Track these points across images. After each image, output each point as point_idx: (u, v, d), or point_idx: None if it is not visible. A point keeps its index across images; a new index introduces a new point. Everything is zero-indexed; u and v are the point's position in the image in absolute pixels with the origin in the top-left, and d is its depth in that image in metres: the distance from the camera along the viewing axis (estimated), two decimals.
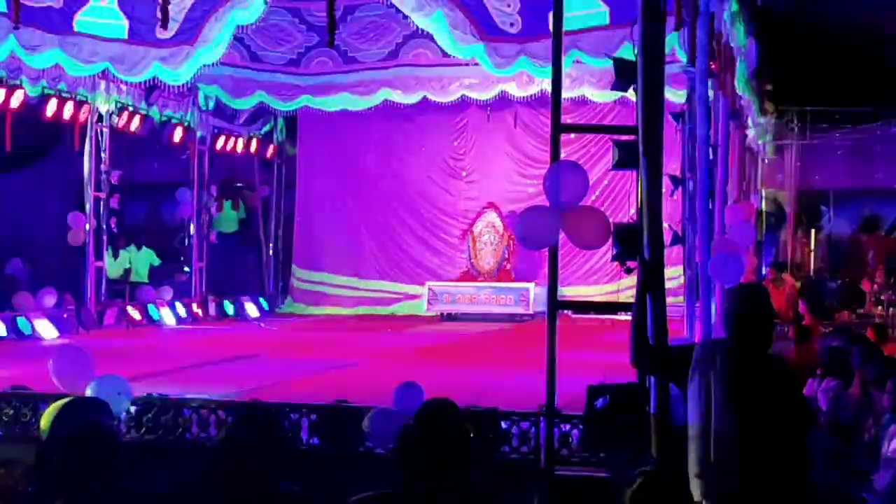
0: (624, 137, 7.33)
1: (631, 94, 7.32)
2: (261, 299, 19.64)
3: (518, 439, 7.49)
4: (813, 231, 20.23)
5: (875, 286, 17.65)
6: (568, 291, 14.62)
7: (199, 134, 18.43)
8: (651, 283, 6.95)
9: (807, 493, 6.41)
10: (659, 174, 7.11)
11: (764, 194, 17.14)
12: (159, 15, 12.93)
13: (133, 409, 7.82)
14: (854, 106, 15.91)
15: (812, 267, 19.34)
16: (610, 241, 7.41)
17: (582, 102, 13.69)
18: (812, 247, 19.98)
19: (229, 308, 18.66)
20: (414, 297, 19.30)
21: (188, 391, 8.97)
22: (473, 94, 16.98)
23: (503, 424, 7.48)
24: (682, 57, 10.10)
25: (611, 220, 7.61)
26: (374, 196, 19.80)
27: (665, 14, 7.55)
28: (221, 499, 5.66)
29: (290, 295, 20.08)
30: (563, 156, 7.82)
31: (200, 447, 7.56)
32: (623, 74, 7.41)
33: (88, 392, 7.53)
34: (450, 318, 18.43)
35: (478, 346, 14.77)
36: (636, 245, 7.02)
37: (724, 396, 6.24)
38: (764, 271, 16.27)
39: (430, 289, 19.03)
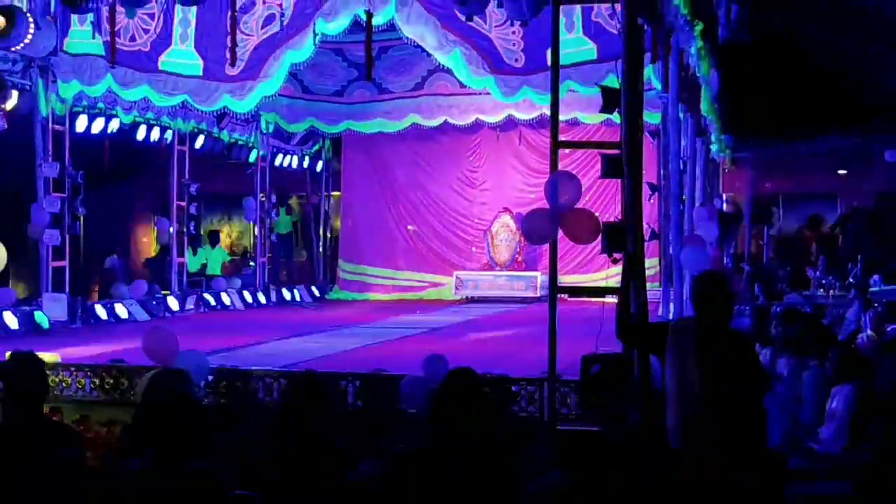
0: (610, 152, 7.27)
1: (615, 116, 7.26)
2: (313, 287, 19.60)
3: (526, 400, 7.47)
4: (765, 228, 20.12)
5: (817, 272, 17.62)
6: (566, 279, 14.52)
7: (261, 153, 18.40)
8: (633, 272, 6.92)
9: (762, 442, 6.36)
10: (639, 182, 7.08)
11: (725, 198, 16.95)
12: (228, 56, 12.95)
13: (210, 378, 7.76)
14: (795, 124, 15.73)
15: (765, 257, 19.21)
16: (599, 237, 7.36)
17: (575, 123, 13.63)
18: (765, 241, 19.85)
19: (287, 295, 18.64)
20: (438, 284, 19.30)
21: (255, 363, 8.93)
22: (485, 118, 16.99)
23: (514, 388, 7.43)
24: (657, 85, 10.03)
25: (600, 219, 7.53)
26: (404, 202, 19.77)
27: (643, 51, 7.49)
28: (282, 452, 5.60)
29: (337, 284, 20.04)
30: (559, 167, 7.73)
31: (265, 409, 7.52)
32: (609, 100, 7.35)
33: (175, 364, 7.48)
34: (472, 300, 18.33)
35: (497, 325, 14.71)
36: (621, 240, 6.98)
37: (695, 364, 6.18)
38: (726, 261, 16.14)
39: (457, 277, 19.01)
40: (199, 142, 16.95)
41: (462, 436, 5.38)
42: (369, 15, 12.11)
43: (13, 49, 8.19)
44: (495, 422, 6.29)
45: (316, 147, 19.92)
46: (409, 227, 19.76)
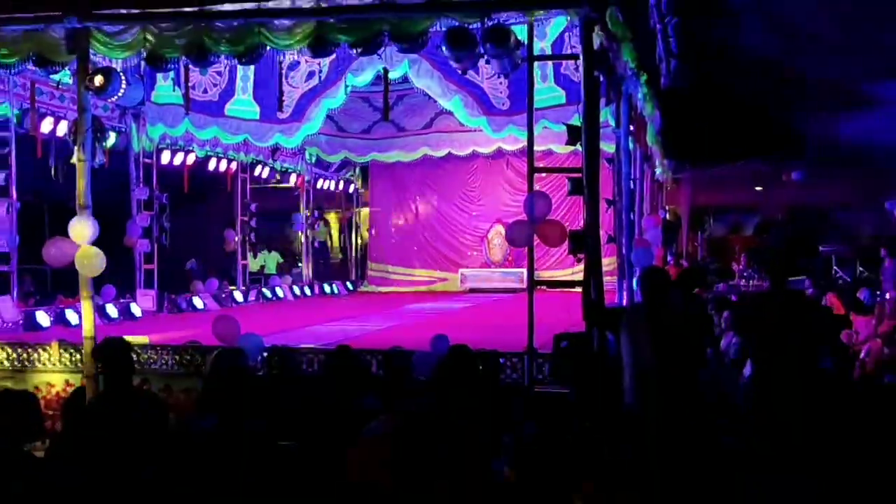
0: (575, 175, 7.27)
1: (579, 147, 7.27)
2: (347, 283, 19.60)
3: (510, 369, 7.45)
4: (699, 233, 20.10)
5: (740, 267, 17.63)
6: (543, 274, 14.55)
7: (305, 178, 18.40)
8: (593, 268, 6.93)
9: (697, 399, 6.37)
10: (597, 198, 7.09)
11: (667, 209, 16.95)
12: (280, 105, 13.06)
13: (264, 354, 7.76)
14: (721, 152, 15.70)
15: (699, 255, 19.21)
16: (566, 241, 7.36)
17: (550, 153, 13.58)
18: (699, 242, 19.84)
19: (327, 288, 18.65)
20: (444, 279, 19.29)
21: (300, 342, 8.92)
22: (480, 149, 16.98)
23: (501, 360, 7.42)
24: (612, 123, 9.99)
25: (567, 228, 7.55)
26: (418, 215, 19.80)
27: (599, 96, 7.49)
28: (322, 412, 5.60)
29: (367, 280, 20.02)
30: (536, 188, 7.74)
31: (308, 378, 7.51)
32: (572, 135, 7.37)
33: (236, 344, 7.49)
34: (473, 291, 18.31)
35: (489, 310, 14.73)
36: (582, 244, 6.99)
37: (645, 339, 6.19)
38: (668, 259, 16.14)
39: (461, 273, 19.01)
40: (257, 170, 16.99)
41: (459, 396, 5.41)
42: (386, 71, 12.17)
43: (110, 101, 8.26)
44: (486, 386, 6.33)
45: (349, 174, 19.96)
46: (423, 235, 19.84)
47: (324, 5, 7.25)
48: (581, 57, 6.96)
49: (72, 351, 8.22)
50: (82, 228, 7.32)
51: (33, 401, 4.55)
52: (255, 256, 17.58)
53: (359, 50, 7.49)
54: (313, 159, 18.16)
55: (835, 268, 17.89)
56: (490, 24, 7.05)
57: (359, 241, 20.53)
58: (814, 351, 6.85)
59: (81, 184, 7.49)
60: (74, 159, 7.59)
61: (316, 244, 19.18)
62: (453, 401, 5.45)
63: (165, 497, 4.68)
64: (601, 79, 7.36)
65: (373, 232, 20.30)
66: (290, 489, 4.72)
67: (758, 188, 19.85)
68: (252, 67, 12.72)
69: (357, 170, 19.89)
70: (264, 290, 16.87)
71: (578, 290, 7.28)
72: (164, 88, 12.70)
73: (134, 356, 6.48)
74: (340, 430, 5.08)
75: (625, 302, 9.60)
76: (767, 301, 7.26)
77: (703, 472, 6.21)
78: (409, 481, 3.76)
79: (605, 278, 7.34)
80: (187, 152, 14.71)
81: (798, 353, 6.57)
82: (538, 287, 8.03)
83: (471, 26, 7.09)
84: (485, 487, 4.00)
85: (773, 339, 6.72)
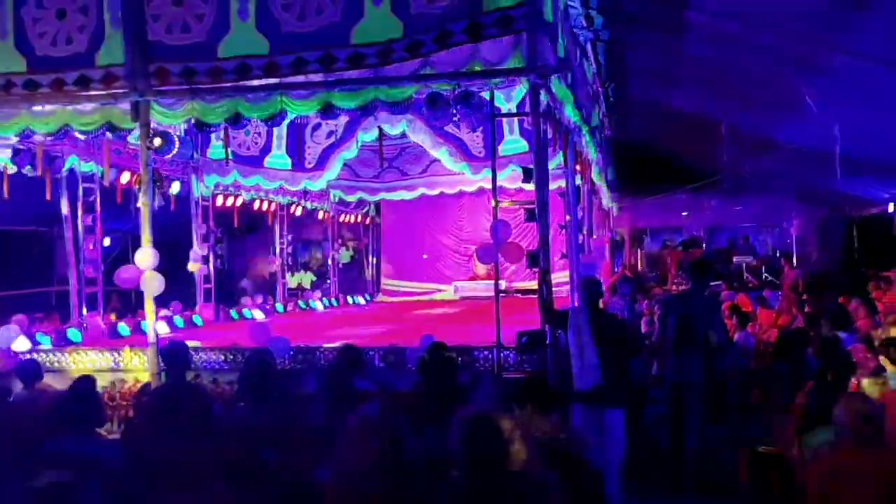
0: (529, 206, 7.25)
1: (531, 185, 7.26)
2: (366, 295, 19.52)
3: (483, 360, 7.35)
4: (639, 249, 20.04)
5: (672, 275, 17.58)
6: (518, 284, 14.41)
7: (331, 214, 18.36)
8: (544, 280, 6.89)
9: (629, 379, 6.33)
10: (547, 224, 7.04)
11: (614, 231, 16.90)
12: (306, 157, 13.08)
13: (291, 353, 7.69)
14: (655, 184, 15.75)
15: (639, 267, 19.14)
16: (524, 258, 7.33)
17: (520, 190, 13.28)
18: (639, 257, 19.77)
19: (350, 300, 18.59)
20: (442, 290, 19.12)
21: (323, 342, 8.83)
22: (466, 188, 16.86)
23: (475, 353, 7.35)
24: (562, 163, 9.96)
25: (524, 248, 7.51)
26: (420, 241, 19.66)
27: (547, 145, 7.47)
28: (331, 392, 5.54)
29: (381, 292, 19.94)
30: (501, 217, 7.72)
31: (323, 370, 7.44)
32: (527, 175, 7.36)
33: (267, 346, 7.44)
34: (464, 298, 18.10)
35: (472, 313, 14.64)
36: (536, 260, 6.95)
37: (587, 333, 6.15)
38: (615, 270, 16.09)
39: (455, 285, 18.88)
40: (293, 208, 16.94)
41: (439, 381, 5.37)
42: (381, 129, 12.14)
43: (166, 157, 8.36)
44: (461, 373, 6.26)
45: (365, 209, 19.91)
46: (424, 255, 19.71)
47: (330, 80, 7.26)
48: (531, 114, 6.93)
49: (140, 354, 8.18)
50: (146, 257, 7.31)
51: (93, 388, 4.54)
52: (292, 275, 17.50)
53: (358, 113, 7.50)
54: (336, 199, 18.15)
55: (745, 274, 17.86)
56: (459, 91, 7.06)
57: (374, 262, 20.47)
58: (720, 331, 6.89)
59: (145, 223, 7.48)
60: (139, 203, 7.58)
61: (341, 265, 19.12)
62: (436, 383, 5.43)
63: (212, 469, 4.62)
64: (548, 131, 7.34)
65: (385, 256, 20.20)
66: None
67: (684, 213, 19.89)
68: (285, 128, 12.76)
69: (371, 206, 19.87)
70: (300, 302, 16.81)
71: (535, 296, 7.25)
72: (217, 146, 12.71)
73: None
74: (342, 407, 5.03)
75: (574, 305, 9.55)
76: (689, 298, 7.23)
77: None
78: (394, 452, 3.69)
79: (560, 287, 7.32)
80: (236, 196, 14.68)
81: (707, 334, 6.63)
82: (509, 294, 8.02)
83: (445, 92, 7.11)
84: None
85: (687, 325, 6.75)
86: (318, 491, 3.81)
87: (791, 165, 13.00)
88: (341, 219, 19.06)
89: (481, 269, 19.01)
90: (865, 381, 5.74)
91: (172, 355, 6.25)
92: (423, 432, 4.30)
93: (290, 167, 13.63)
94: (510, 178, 11.27)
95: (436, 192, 17.32)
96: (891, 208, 12.80)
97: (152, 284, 7.23)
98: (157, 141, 7.46)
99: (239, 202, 14.87)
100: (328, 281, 18.90)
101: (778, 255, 18.21)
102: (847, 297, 9.42)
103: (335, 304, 17.93)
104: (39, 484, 3.32)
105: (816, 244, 17.17)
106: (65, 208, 11.02)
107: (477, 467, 3.06)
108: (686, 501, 6.38)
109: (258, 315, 14.66)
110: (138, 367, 8.11)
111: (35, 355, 8.22)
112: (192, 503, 3.86)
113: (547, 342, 6.67)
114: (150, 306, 7.45)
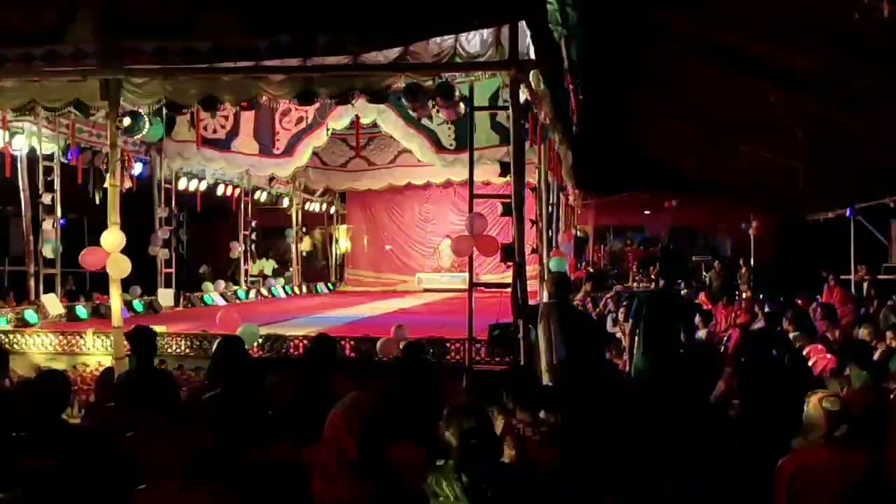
0: (505, 200, 7.24)
1: (509, 178, 7.24)
2: (329, 284, 19.40)
3: (455, 352, 7.36)
4: (602, 245, 20.24)
5: (632, 272, 17.79)
6: (483, 277, 14.46)
7: (295, 201, 18.15)
8: (518, 273, 6.89)
9: (601, 370, 6.37)
10: (522, 218, 7.04)
11: (578, 228, 17.05)
12: (275, 143, 12.88)
13: (260, 339, 7.60)
14: (618, 184, 15.89)
15: (602, 264, 19.33)
16: (498, 252, 7.33)
17: (488, 183, 13.42)
18: (602, 253, 19.97)
19: (314, 289, 18.44)
20: (405, 281, 19.14)
21: (289, 330, 8.78)
22: (433, 180, 16.91)
23: (447, 345, 7.33)
24: (535, 159, 10.01)
25: (499, 241, 7.51)
26: (384, 232, 19.63)
27: (525, 139, 7.47)
28: (303, 383, 5.47)
29: (344, 281, 19.84)
30: (476, 210, 7.70)
31: (294, 360, 7.37)
32: (504, 169, 7.34)
33: (237, 331, 7.33)
34: (427, 290, 18.12)
35: (440, 305, 14.65)
36: (511, 254, 6.95)
37: (556, 327, 6.17)
38: (579, 266, 16.23)
39: (418, 276, 18.88)
40: (257, 194, 16.70)
41: (411, 375, 5.34)
42: (357, 118, 12.06)
43: (136, 138, 8.12)
44: (433, 366, 6.24)
45: (330, 198, 19.76)
46: (388, 247, 19.65)
47: (309, 65, 7.15)
48: (510, 108, 6.92)
49: (103, 337, 8.01)
50: (112, 239, 7.12)
51: (64, 378, 4.40)
52: (254, 262, 17.29)
53: (336, 100, 7.41)
54: (302, 186, 17.97)
55: (704, 273, 18.17)
56: (439, 81, 7.01)
57: (337, 252, 20.33)
58: (689, 330, 6.96)
59: (112, 204, 7.29)
60: (107, 184, 7.38)
61: (304, 253, 18.94)
62: (408, 378, 5.40)
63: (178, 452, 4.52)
64: (526, 125, 7.34)
65: (351, 244, 20.08)
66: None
67: (646, 212, 20.12)
68: (253, 113, 12.56)
69: (337, 195, 19.71)
70: (262, 289, 16.61)
71: (509, 290, 7.25)
72: (182, 129, 12.48)
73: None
74: (319, 400, 4.97)
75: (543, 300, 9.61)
76: (659, 296, 7.30)
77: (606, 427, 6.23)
78: (371, 445, 3.65)
79: (529, 281, 7.33)
80: (200, 179, 14.45)
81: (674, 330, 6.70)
82: (477, 287, 8.00)
83: (424, 83, 7.06)
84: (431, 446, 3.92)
85: (659, 321, 6.81)
86: (299, 481, 3.77)
87: (753, 169, 13.22)
88: (307, 206, 18.89)
89: (445, 261, 19.06)
90: (829, 382, 5.87)
91: (140, 339, 6.10)
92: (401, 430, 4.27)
93: (257, 152, 13.43)
94: (481, 171, 11.26)
95: (403, 182, 17.27)
96: (848, 213, 13.13)
97: (119, 267, 7.05)
98: (127, 121, 7.27)
99: (203, 186, 14.64)
100: (290, 269, 18.74)
101: (737, 255, 18.55)
102: (805, 299, 9.65)
103: (297, 292, 17.77)
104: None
105: (773, 246, 17.54)
106: (23, 187, 10.69)
107: (468, 458, 3.04)
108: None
109: (218, 301, 14.46)
110: (100, 351, 7.93)
111: None
112: (168, 491, 3.78)
113: (519, 336, 6.68)
114: (115, 289, 7.27)
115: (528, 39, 6.59)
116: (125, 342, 7.01)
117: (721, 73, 9.41)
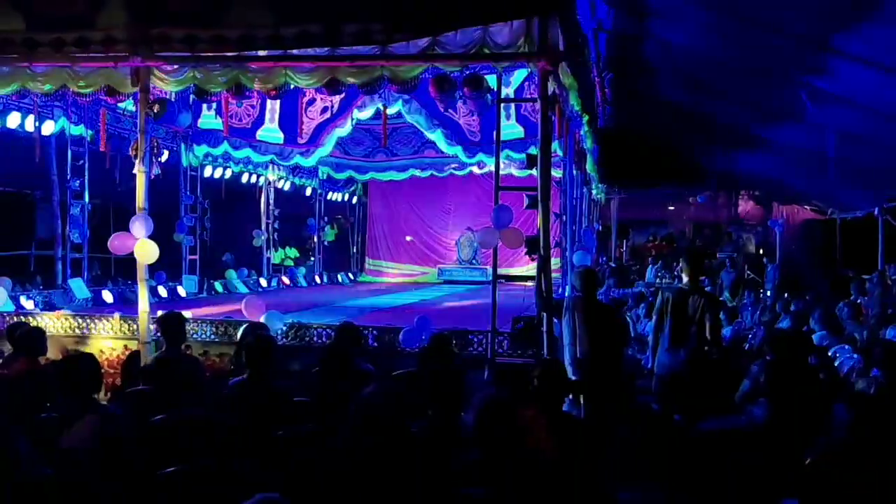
0: (531, 193, 7.22)
1: (534, 172, 7.23)
2: (349, 274, 19.48)
3: (477, 344, 7.36)
4: (624, 241, 20.13)
5: (655, 268, 17.64)
6: (504, 270, 14.47)
7: (318, 191, 18.23)
8: (543, 267, 6.88)
9: (621, 367, 6.35)
10: (548, 212, 7.03)
11: (601, 223, 16.96)
12: (300, 132, 12.93)
13: (284, 327, 7.67)
14: (643, 178, 15.81)
15: (624, 259, 19.22)
16: (524, 245, 7.33)
17: (510, 176, 13.43)
18: (624, 249, 19.86)
19: (335, 278, 18.53)
20: (425, 273, 19.20)
21: (313, 318, 8.84)
22: (456, 172, 16.84)
23: (470, 337, 7.35)
24: (560, 153, 9.97)
25: (524, 234, 7.50)
26: (406, 221, 19.65)
27: (552, 132, 7.45)
28: (329, 372, 5.52)
29: (365, 272, 19.91)
30: (501, 202, 7.69)
31: (319, 347, 7.43)
32: (531, 162, 7.31)
33: (261, 319, 7.40)
34: (447, 282, 18.18)
35: (462, 297, 14.67)
36: (536, 247, 6.94)
37: (581, 322, 6.16)
38: (601, 261, 16.18)
39: (439, 268, 18.92)
40: (281, 183, 16.80)
41: (436, 364, 5.36)
42: (385, 108, 12.08)
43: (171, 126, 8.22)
44: (457, 357, 6.26)
45: (353, 188, 19.82)
46: (408, 238, 19.69)
47: (337, 54, 7.18)
48: (538, 100, 6.90)
49: (129, 322, 8.11)
50: (141, 225, 7.21)
51: (96, 361, 4.47)
52: (276, 251, 17.41)
53: (364, 90, 7.43)
54: (325, 176, 18.05)
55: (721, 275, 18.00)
56: (468, 72, 7.01)
57: (359, 241, 20.40)
58: (715, 327, 6.89)
59: (140, 190, 7.38)
60: (135, 170, 7.46)
61: (326, 243, 19.04)
62: (432, 367, 5.42)
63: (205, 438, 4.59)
64: (553, 118, 7.32)
65: (370, 234, 20.12)
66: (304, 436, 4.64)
67: (670, 207, 19.97)
68: (278, 102, 12.63)
69: (359, 185, 19.78)
70: (284, 278, 16.73)
71: (529, 283, 7.26)
72: (208, 117, 12.58)
73: None
74: (343, 389, 5.01)
75: (567, 294, 9.60)
76: (684, 292, 7.25)
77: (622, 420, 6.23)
78: (395, 436, 3.68)
79: (552, 275, 7.34)
80: (225, 168, 14.57)
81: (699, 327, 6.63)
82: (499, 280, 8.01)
83: (452, 74, 7.06)
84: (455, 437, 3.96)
85: (684, 318, 6.74)
86: (324, 467, 3.81)
87: (781, 165, 13.08)
88: (329, 196, 18.99)
89: (466, 253, 19.08)
90: (856, 382, 5.82)
91: (170, 324, 6.17)
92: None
93: (282, 141, 13.51)
94: (503, 164, 11.27)
95: (426, 174, 17.27)
96: (876, 211, 12.93)
97: (147, 253, 7.14)
98: (157, 108, 7.34)
99: (227, 174, 14.76)
100: (312, 258, 18.86)
101: (761, 253, 18.38)
102: (832, 299, 9.55)
103: (319, 281, 17.88)
104: None
105: (800, 244, 17.35)
106: (54, 171, 10.84)
107: (492, 450, 3.07)
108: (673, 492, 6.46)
109: (242, 289, 14.61)
110: (127, 335, 8.04)
111: (21, 318, 8.10)
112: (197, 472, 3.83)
113: (542, 329, 6.68)
114: (142, 274, 7.36)
115: (558, 31, 6.57)
116: (152, 326, 7.12)
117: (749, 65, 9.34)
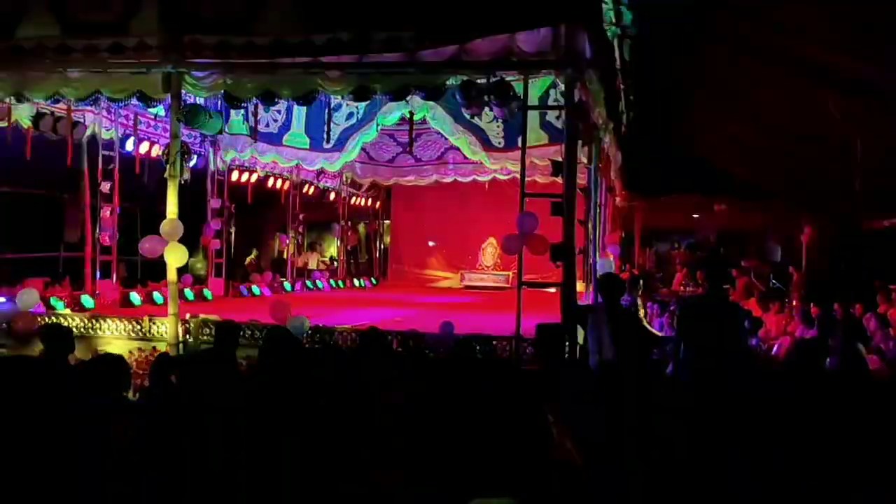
0: (556, 200, 7.25)
1: (559, 179, 7.26)
2: (373, 279, 19.57)
3: (502, 350, 7.37)
4: (648, 248, 20.03)
5: (680, 276, 17.57)
6: (528, 276, 14.48)
7: (342, 195, 18.34)
8: (568, 274, 6.90)
9: (644, 371, 6.34)
10: (573, 218, 7.06)
11: (623, 230, 16.91)
12: (325, 137, 13.03)
13: (309, 331, 7.73)
14: (668, 186, 15.76)
15: (647, 266, 19.13)
16: (548, 251, 7.34)
17: (534, 182, 13.43)
18: (647, 256, 19.76)
19: (356, 283, 18.61)
20: (448, 278, 19.22)
21: (336, 322, 8.88)
22: (480, 178, 16.83)
23: (494, 343, 7.35)
24: (584, 160, 9.98)
25: (549, 241, 7.52)
26: (430, 227, 19.67)
27: (578, 139, 7.48)
28: (359, 371, 5.56)
29: (388, 276, 19.98)
30: (525, 209, 7.72)
31: (344, 352, 7.44)
32: (557, 168, 7.34)
33: (287, 323, 7.47)
34: (470, 288, 18.19)
35: (484, 302, 14.66)
36: (561, 254, 6.96)
37: (606, 331, 6.17)
38: (623, 268, 16.11)
39: (462, 273, 18.94)
40: (306, 188, 16.94)
41: (460, 366, 5.41)
42: (411, 114, 12.15)
43: (197, 131, 8.34)
44: (481, 366, 6.29)
45: (376, 193, 19.91)
46: (431, 243, 19.74)
47: (365, 62, 7.26)
48: (564, 108, 6.93)
49: (158, 324, 8.22)
50: (171, 229, 7.33)
51: (125, 361, 4.57)
52: (300, 255, 17.54)
53: (390, 97, 7.51)
54: (349, 181, 18.16)
55: (753, 279, 17.84)
56: (494, 80, 7.06)
57: (382, 246, 20.49)
58: (740, 336, 6.83)
59: (171, 194, 7.50)
60: (167, 174, 7.59)
61: (349, 247, 19.14)
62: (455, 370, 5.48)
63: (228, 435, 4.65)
64: (579, 125, 7.35)
65: (394, 239, 20.18)
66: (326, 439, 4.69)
67: (695, 215, 19.85)
68: (305, 108, 12.75)
69: (383, 190, 19.86)
70: (307, 282, 16.86)
71: (551, 290, 7.27)
72: (236, 122, 12.74)
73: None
74: (369, 391, 5.06)
75: (591, 301, 9.60)
76: (707, 301, 7.21)
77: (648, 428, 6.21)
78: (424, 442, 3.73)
79: (576, 282, 7.33)
80: (251, 172, 14.72)
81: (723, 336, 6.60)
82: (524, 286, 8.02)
83: (479, 81, 7.11)
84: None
85: (707, 327, 6.71)
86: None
87: (807, 172, 12.99)
88: (353, 201, 19.10)
89: (489, 259, 19.10)
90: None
91: (224, 331, 6.20)
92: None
93: (308, 146, 13.62)
94: (528, 170, 11.28)
95: (449, 179, 17.28)
96: None
97: (176, 255, 7.26)
98: (189, 113, 7.47)
99: (254, 178, 14.91)
100: (335, 262, 18.97)
101: (786, 262, 18.21)
102: (860, 309, 9.47)
103: (342, 285, 17.99)
104: None
105: (826, 253, 17.17)
106: (85, 174, 11.03)
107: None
108: None
109: (265, 292, 14.72)
110: (155, 336, 8.15)
111: (51, 319, 8.25)
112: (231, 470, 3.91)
113: (567, 337, 6.69)
114: (172, 277, 7.48)
115: (585, 39, 6.60)
116: (181, 328, 7.23)
117: (780, 76, 9.31)
